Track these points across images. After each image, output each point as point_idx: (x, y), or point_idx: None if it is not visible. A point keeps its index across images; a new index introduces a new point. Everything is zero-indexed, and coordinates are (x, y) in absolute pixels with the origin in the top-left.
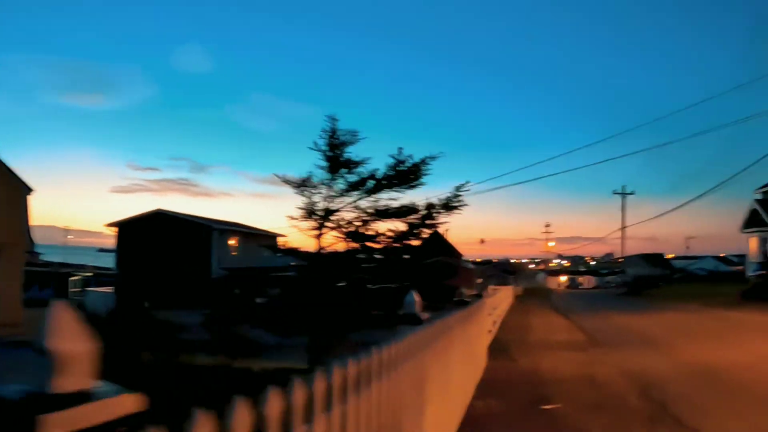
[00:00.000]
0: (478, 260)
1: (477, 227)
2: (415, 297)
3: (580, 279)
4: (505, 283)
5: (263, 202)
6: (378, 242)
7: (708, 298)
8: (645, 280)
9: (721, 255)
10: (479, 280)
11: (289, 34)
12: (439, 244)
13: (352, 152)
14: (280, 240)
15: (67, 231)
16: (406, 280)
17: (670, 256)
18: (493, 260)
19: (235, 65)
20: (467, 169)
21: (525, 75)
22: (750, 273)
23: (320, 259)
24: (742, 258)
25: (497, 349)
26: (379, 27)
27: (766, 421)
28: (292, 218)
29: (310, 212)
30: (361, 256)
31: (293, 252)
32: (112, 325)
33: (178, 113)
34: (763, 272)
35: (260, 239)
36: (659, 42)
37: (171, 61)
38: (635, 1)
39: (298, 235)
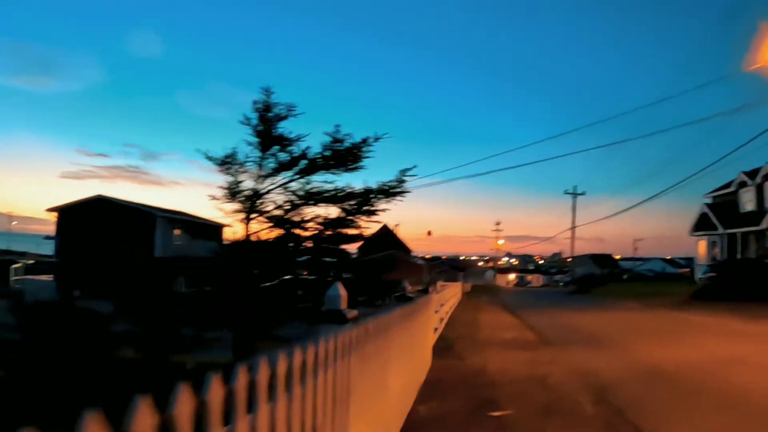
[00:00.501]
0: (428, 256)
1: (427, 223)
2: (340, 291)
3: (529, 277)
4: (454, 280)
5: (214, 192)
6: (306, 229)
7: (657, 297)
8: (593, 279)
9: (668, 257)
10: (428, 276)
11: (245, 20)
12: (389, 238)
13: (289, 129)
14: (226, 230)
15: (11, 217)
16: (342, 272)
17: (617, 257)
18: (443, 257)
19: (189, 51)
20: (420, 163)
21: (486, 70)
22: (700, 275)
23: (247, 247)
24: (689, 260)
25: (444, 347)
26: (340, 14)
27: (726, 426)
28: (214, 198)
29: (234, 193)
30: (292, 244)
31: (216, 238)
32: (38, 315)
33: (129, 99)
34: (713, 274)
35: (206, 229)
36: (619, 42)
37: (123, 45)
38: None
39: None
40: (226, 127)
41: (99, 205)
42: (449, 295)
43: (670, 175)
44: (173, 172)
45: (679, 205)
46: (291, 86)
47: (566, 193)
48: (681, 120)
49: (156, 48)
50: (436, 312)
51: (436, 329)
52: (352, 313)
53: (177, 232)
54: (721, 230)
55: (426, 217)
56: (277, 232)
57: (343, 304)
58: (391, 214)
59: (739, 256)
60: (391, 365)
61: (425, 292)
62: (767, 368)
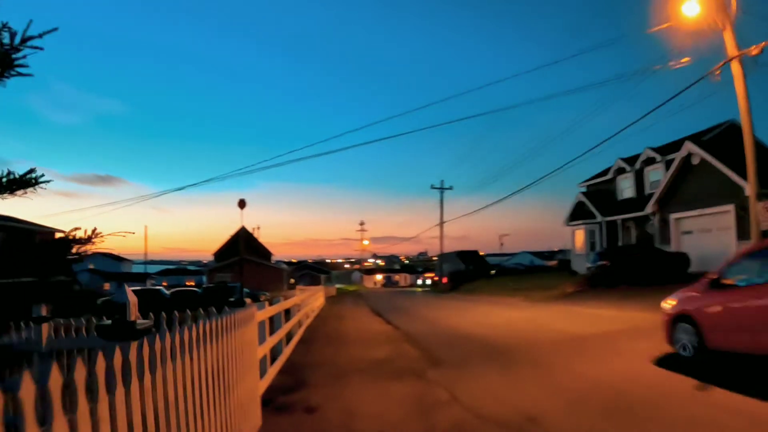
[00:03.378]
0: (294, 260)
1: (291, 228)
2: None
3: (396, 277)
4: (317, 284)
5: (68, 202)
6: None
7: (541, 291)
8: (461, 276)
9: (533, 251)
10: (291, 281)
11: (93, 20)
12: (247, 243)
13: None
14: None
15: None
16: None
17: (482, 253)
18: (309, 260)
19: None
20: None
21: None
22: (588, 264)
23: None
24: (554, 253)
25: (288, 387)
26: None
27: None
28: None
29: None
30: None
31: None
32: None
33: None
34: (604, 262)
35: (41, 236)
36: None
37: None
38: None
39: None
40: (78, 134)
41: None
42: (306, 302)
43: (537, 171)
44: None
45: (545, 199)
46: (144, 92)
47: (433, 187)
48: (535, 100)
49: None
50: (273, 332)
51: (276, 358)
52: None
53: None
54: (599, 218)
55: (290, 221)
56: None
57: None
58: (252, 220)
59: (620, 243)
60: None
61: (240, 304)
62: None
